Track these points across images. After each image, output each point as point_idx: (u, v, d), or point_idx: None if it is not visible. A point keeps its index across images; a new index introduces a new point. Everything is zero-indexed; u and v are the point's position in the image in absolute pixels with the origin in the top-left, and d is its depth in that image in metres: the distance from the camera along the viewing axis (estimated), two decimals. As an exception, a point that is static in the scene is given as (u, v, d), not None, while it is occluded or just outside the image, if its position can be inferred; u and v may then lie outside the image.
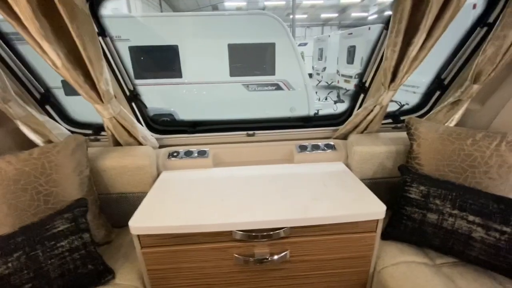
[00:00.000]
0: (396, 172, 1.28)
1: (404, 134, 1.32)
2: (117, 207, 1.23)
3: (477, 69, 1.12)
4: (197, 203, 0.97)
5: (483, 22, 1.18)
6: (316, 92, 7.50)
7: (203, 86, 3.70)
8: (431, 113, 1.36)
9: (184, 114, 3.69)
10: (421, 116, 1.48)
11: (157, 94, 3.68)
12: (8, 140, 1.26)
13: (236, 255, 0.91)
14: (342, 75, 8.45)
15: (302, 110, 3.81)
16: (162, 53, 3.49)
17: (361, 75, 1.38)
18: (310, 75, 10.65)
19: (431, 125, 1.13)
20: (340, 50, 8.85)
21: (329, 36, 9.87)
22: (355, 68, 7.83)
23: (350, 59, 8.25)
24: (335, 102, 6.46)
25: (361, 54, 7.60)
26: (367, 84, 1.34)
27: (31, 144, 1.23)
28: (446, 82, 1.38)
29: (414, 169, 1.11)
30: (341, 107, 6.25)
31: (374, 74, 1.27)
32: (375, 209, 0.91)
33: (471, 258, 0.93)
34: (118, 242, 1.18)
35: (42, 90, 1.29)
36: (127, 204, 1.23)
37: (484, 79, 1.12)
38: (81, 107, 1.47)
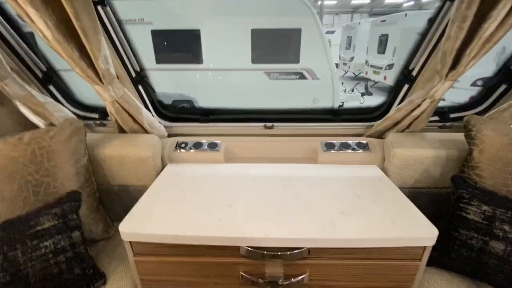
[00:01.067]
0: (443, 181, 1.06)
1: (457, 136, 1.08)
2: (118, 200, 1.13)
3: None
4: (201, 207, 0.82)
5: None
6: (342, 83, 7.09)
7: (223, 73, 3.58)
8: (493, 111, 1.10)
9: (204, 101, 3.59)
10: (479, 114, 1.21)
11: (177, 80, 3.60)
12: (10, 121, 1.18)
13: (243, 274, 0.75)
14: (372, 66, 7.91)
15: (326, 102, 3.57)
16: (183, 37, 3.39)
17: (406, 62, 1.14)
18: (336, 65, 10.12)
19: (499, 127, 0.88)
20: (370, 39, 8.25)
21: (359, 23, 9.24)
22: (387, 59, 7.27)
23: (382, 49, 7.66)
24: (362, 95, 6.05)
25: (394, 43, 7.01)
26: (414, 73, 1.09)
27: (34, 126, 1.14)
28: (517, 73, 1.11)
29: (473, 181, 0.88)
30: (369, 100, 5.84)
31: (426, 60, 1.02)
32: (423, 233, 0.70)
33: (548, 304, 0.71)
34: (118, 239, 1.06)
35: (44, 68, 1.19)
36: (128, 197, 1.12)
37: None
38: (89, 87, 1.37)
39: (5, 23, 1.04)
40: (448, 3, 0.91)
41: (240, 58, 3.41)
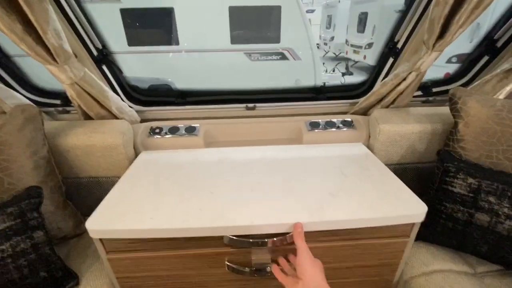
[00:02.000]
0: (428, 156, 1.05)
1: (441, 110, 1.07)
2: (88, 193, 1.03)
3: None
4: (180, 197, 0.75)
5: None
6: (323, 64, 7.03)
7: (202, 55, 3.40)
8: (475, 83, 1.09)
9: (181, 85, 3.42)
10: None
11: (152, 63, 3.38)
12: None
13: (228, 263, 0.71)
14: (352, 45, 7.88)
15: (307, 83, 3.53)
16: (157, 17, 3.14)
17: (391, 33, 1.09)
18: (317, 45, 10.00)
19: (485, 99, 0.87)
20: (350, 17, 8.17)
21: (339, 1, 9.07)
22: (366, 38, 7.26)
23: (361, 28, 7.62)
24: (343, 75, 6.06)
25: (374, 22, 6.99)
26: (399, 45, 1.05)
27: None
28: (498, 44, 1.09)
29: (458, 154, 0.87)
30: (350, 80, 5.86)
31: (411, 30, 0.98)
32: (412, 210, 0.68)
33: (528, 270, 0.73)
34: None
35: (-14, 48, 1.02)
36: (100, 189, 1.03)
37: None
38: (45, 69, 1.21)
39: None
40: (436, -34, 0.85)
41: (219, 38, 3.24)
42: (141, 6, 3.05)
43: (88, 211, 1.03)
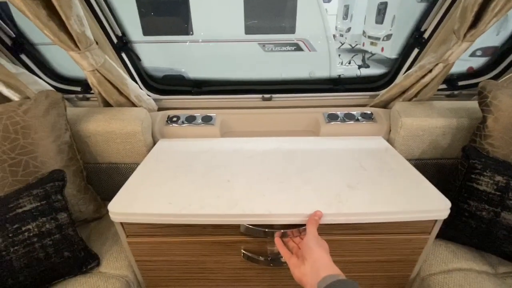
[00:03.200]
0: (451, 152, 1.01)
1: (467, 104, 1.02)
2: (107, 179, 1.06)
3: None
4: (198, 184, 0.76)
5: None
6: (339, 55, 6.84)
7: (215, 45, 3.37)
8: (504, 78, 1.03)
9: (195, 75, 3.42)
10: (488, 81, 1.14)
11: (166, 53, 3.40)
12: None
13: (244, 252, 0.71)
14: (369, 37, 7.61)
15: (322, 75, 3.45)
16: (172, 6, 3.14)
17: (417, 23, 1.03)
18: (333, 37, 9.73)
19: (517, 93, 0.82)
20: (368, 7, 7.86)
21: (357, -10, 8.74)
22: (385, 29, 6.98)
23: (380, 18, 7.31)
24: (359, 67, 5.89)
25: (394, 12, 6.70)
26: (426, 35, 1.00)
27: (7, 101, 1.03)
28: (534, 35, 1.02)
29: (485, 151, 0.83)
30: (366, 73, 5.69)
31: (441, 19, 0.93)
32: (435, 205, 0.66)
33: (556, 273, 0.70)
34: (110, 218, 1.02)
35: (13, 35, 1.05)
36: (119, 175, 1.05)
37: None
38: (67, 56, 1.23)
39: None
40: (472, -52, 0.79)
41: (233, 28, 3.21)
42: (156, -6, 3.06)
43: (107, 196, 1.06)
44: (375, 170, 0.81)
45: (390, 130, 1.04)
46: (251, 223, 0.66)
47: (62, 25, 0.78)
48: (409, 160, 1.00)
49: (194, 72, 3.37)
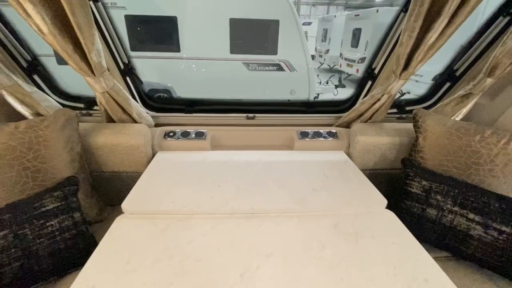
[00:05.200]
0: (398, 164, 1.26)
1: (409, 126, 1.28)
2: (110, 186, 1.20)
3: (494, 62, 1.05)
4: (194, 188, 0.94)
5: (506, 11, 1.10)
6: (318, 75, 7.32)
7: (202, 62, 3.54)
8: (438, 105, 1.31)
9: (181, 90, 3.56)
10: (427, 108, 1.43)
11: (153, 68, 3.52)
12: (-6, 110, 1.19)
13: None
14: (345, 59, 8.22)
15: (302, 93, 3.72)
16: (160, 24, 3.30)
17: (370, 61, 1.31)
18: (313, 57, 10.34)
19: (439, 119, 1.09)
20: (345, 32, 8.54)
21: (335, 16, 9.48)
22: (359, 52, 7.61)
23: (355, 43, 7.98)
24: (336, 87, 6.33)
25: (367, 37, 7.34)
26: (376, 71, 1.27)
27: (20, 116, 1.16)
28: (458, 73, 1.33)
29: (417, 162, 1.08)
30: (342, 92, 6.15)
31: (385, 61, 1.20)
32: (375, 202, 0.89)
33: (465, 254, 0.93)
34: (111, 221, 1.15)
35: (29, 58, 1.20)
36: (120, 183, 1.20)
37: (499, 73, 1.06)
38: (73, 78, 1.38)
39: (-13, 11, 1.04)
40: (402, 14, 1.08)
41: (219, 47, 3.38)
42: (146, 13, 3.22)
43: (109, 201, 1.20)
44: (334, 178, 1.03)
45: (349, 146, 1.28)
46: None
47: (84, 57, 0.96)
48: (364, 170, 1.24)
49: (180, 87, 3.51)
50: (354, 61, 7.74)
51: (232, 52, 3.43)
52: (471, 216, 0.90)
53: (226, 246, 0.72)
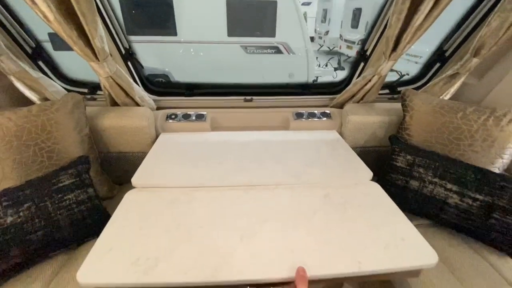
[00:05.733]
0: (387, 141, 1.33)
1: (398, 105, 1.35)
2: (117, 165, 1.28)
3: (479, 43, 1.11)
4: (197, 165, 1.02)
5: (493, -9, 1.14)
6: (317, 58, 7.23)
7: (199, 46, 3.51)
8: (428, 85, 1.37)
9: (179, 75, 3.55)
10: (418, 88, 1.49)
11: (150, 53, 3.50)
12: (3, 96, 1.25)
13: None
14: (345, 40, 8.09)
15: (301, 77, 3.71)
16: (155, 7, 3.25)
17: (363, 43, 1.35)
18: (312, 39, 10.14)
19: (425, 98, 1.15)
20: (345, 12, 8.33)
21: (335, -5, 9.20)
22: (359, 33, 7.47)
23: (355, 23, 7.81)
24: (335, 69, 6.29)
25: (367, 18, 7.19)
26: (368, 53, 1.32)
27: (27, 101, 1.22)
28: (447, 54, 1.37)
29: (404, 139, 1.16)
30: (341, 75, 6.12)
31: (376, 43, 1.25)
32: (362, 175, 0.97)
33: (443, 221, 1.03)
34: (120, 198, 1.24)
35: (33, 45, 1.24)
36: (127, 162, 1.28)
37: (484, 53, 1.12)
38: (71, 62, 1.43)
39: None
40: (392, -4, 1.11)
41: (216, 30, 3.34)
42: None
43: (117, 180, 1.29)
44: (326, 154, 1.11)
45: (342, 125, 1.35)
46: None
47: (88, 43, 1.01)
48: (355, 147, 1.32)
49: (178, 72, 3.50)
50: (354, 42, 7.61)
51: (229, 35, 3.39)
52: (449, 186, 0.99)
53: (227, 214, 0.81)
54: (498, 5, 1.02)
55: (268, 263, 0.64)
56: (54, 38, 1.36)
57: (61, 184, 0.92)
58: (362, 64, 1.36)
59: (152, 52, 3.46)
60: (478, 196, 0.95)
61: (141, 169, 0.98)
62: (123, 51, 1.26)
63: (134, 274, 0.61)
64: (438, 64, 1.42)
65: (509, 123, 1.01)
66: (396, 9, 0.99)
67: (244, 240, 0.72)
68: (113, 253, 0.67)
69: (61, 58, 1.46)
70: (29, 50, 1.23)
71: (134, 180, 0.93)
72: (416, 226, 0.79)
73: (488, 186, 0.94)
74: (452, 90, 1.32)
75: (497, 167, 1.04)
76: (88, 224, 0.95)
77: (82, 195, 0.95)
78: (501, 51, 1.19)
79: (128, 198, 0.88)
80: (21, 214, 0.84)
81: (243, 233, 0.74)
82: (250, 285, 0.62)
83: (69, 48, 1.01)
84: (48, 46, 1.39)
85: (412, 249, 0.70)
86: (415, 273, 0.71)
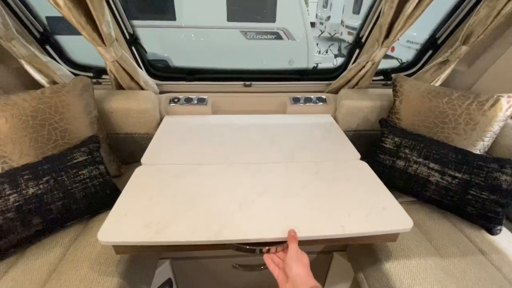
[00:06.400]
0: (378, 125, 1.41)
1: (391, 91, 1.41)
2: (124, 146, 1.36)
3: (469, 30, 1.16)
4: (200, 146, 1.10)
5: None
6: (317, 44, 7.16)
7: (198, 31, 3.48)
8: (419, 72, 1.43)
9: (179, 60, 3.55)
10: (411, 74, 1.55)
11: (150, 37, 3.48)
12: (13, 79, 1.31)
13: None
14: (347, 26, 7.96)
15: (301, 63, 3.71)
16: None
17: (358, 30, 1.40)
18: (313, 25, 9.97)
19: (415, 84, 1.22)
20: (347, -4, 8.15)
21: (337, -21, 8.97)
22: (361, 19, 7.35)
23: (357, 8, 7.65)
24: (336, 56, 6.28)
25: (369, 2, 7.04)
26: (363, 40, 1.37)
27: (36, 84, 1.28)
28: (439, 41, 1.42)
29: (393, 123, 1.24)
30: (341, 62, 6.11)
31: (371, 30, 1.30)
32: (351, 156, 1.06)
33: (426, 197, 1.12)
34: (127, 176, 1.33)
35: (41, 29, 1.29)
36: (133, 143, 1.36)
37: (473, 40, 1.17)
38: (71, 47, 1.47)
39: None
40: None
41: (215, 15, 3.31)
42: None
43: (124, 160, 1.38)
44: (319, 137, 1.19)
45: (336, 110, 1.42)
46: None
47: (95, 28, 1.06)
48: (348, 131, 1.40)
49: (177, 58, 3.50)
50: (355, 28, 7.50)
51: (229, 19, 3.37)
52: (431, 165, 1.07)
53: (227, 187, 0.90)
54: (487, -6, 1.07)
55: (263, 226, 0.74)
56: (52, 22, 1.41)
57: (75, 161, 1.00)
58: (357, 50, 1.42)
59: (150, 37, 3.43)
60: (457, 174, 1.04)
61: (149, 150, 1.07)
62: (128, 36, 1.31)
63: (147, 234, 0.71)
64: (430, 51, 1.47)
65: (491, 108, 1.08)
66: (389, -3, 1.03)
67: (243, 207, 0.81)
68: (128, 217, 0.76)
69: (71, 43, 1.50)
70: (38, 35, 1.28)
71: (144, 159, 1.01)
72: (401, 202, 0.87)
73: (467, 165, 1.02)
74: (443, 76, 1.38)
75: (478, 149, 1.12)
76: (100, 197, 1.04)
77: (94, 171, 1.03)
78: (489, 39, 1.24)
79: (138, 173, 0.97)
80: (41, 186, 0.92)
81: (241, 202, 0.83)
82: (249, 244, 0.72)
83: (67, 33, 1.06)
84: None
85: (391, 216, 0.80)
86: (392, 237, 0.81)
